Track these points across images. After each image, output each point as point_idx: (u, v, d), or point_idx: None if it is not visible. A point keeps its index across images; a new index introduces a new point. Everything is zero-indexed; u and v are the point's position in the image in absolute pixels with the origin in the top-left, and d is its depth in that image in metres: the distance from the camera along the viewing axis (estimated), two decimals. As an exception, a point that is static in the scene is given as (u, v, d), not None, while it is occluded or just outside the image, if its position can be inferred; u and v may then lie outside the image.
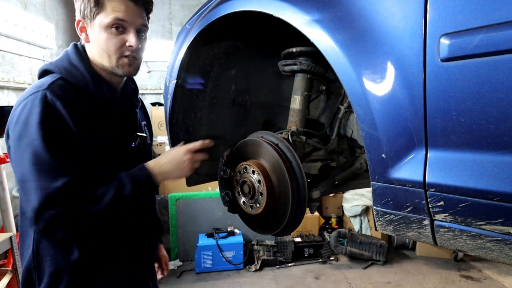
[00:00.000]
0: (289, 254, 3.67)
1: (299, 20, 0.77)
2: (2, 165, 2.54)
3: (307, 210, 1.04)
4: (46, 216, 0.87)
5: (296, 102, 1.12)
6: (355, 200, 4.02)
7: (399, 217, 0.69)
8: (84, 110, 0.98)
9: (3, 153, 2.56)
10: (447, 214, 0.61)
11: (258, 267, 3.51)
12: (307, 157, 1.17)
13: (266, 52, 1.33)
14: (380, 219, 0.73)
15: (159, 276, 1.42)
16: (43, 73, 1.03)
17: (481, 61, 0.53)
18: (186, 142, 1.14)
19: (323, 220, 4.30)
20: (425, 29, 0.59)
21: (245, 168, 1.02)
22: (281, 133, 1.06)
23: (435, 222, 0.64)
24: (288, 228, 1.01)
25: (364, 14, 0.68)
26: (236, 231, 3.68)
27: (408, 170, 0.64)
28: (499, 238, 0.56)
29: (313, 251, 3.74)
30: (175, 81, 1.17)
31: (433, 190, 0.61)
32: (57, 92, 0.93)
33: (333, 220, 4.33)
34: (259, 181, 0.98)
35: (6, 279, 2.03)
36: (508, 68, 0.50)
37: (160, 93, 5.65)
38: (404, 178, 0.64)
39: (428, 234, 0.66)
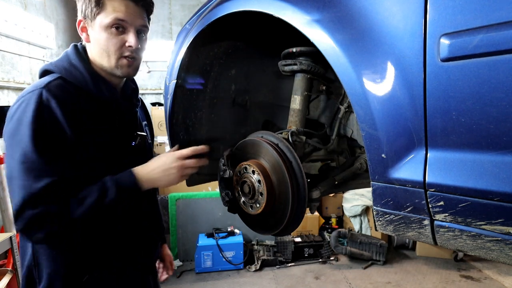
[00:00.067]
0: (289, 254, 3.67)
1: (299, 20, 0.77)
2: (2, 165, 2.54)
3: (307, 210, 1.04)
4: (26, 215, 0.87)
5: (296, 102, 1.12)
6: (355, 200, 4.02)
7: (399, 217, 0.69)
8: (84, 110, 0.98)
9: (3, 153, 2.56)
10: (447, 214, 0.61)
11: (258, 267, 3.51)
12: (307, 157, 1.17)
13: (266, 52, 1.33)
14: (380, 219, 0.73)
15: (164, 276, 1.41)
16: (44, 73, 1.03)
17: (481, 61, 0.53)
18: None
19: (323, 220, 4.30)
20: (425, 29, 0.59)
21: (245, 168, 1.02)
22: (281, 133, 1.06)
23: (435, 222, 0.64)
24: (288, 228, 1.01)
25: (364, 14, 0.68)
26: (236, 231, 3.68)
27: (408, 170, 0.64)
28: (499, 238, 0.56)
29: (313, 251, 3.74)
30: (175, 81, 1.17)
31: (433, 190, 0.61)
32: (53, 91, 0.93)
33: (333, 220, 4.33)
34: (259, 181, 0.98)
35: (6, 279, 2.03)
36: (508, 68, 0.50)
37: (160, 93, 5.65)
38: (404, 178, 0.64)
39: (428, 234, 0.66)
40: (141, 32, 1.05)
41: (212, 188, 4.02)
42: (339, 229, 3.80)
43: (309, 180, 1.16)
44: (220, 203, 1.40)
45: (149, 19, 1.09)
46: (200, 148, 1.10)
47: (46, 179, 0.88)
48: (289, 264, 3.62)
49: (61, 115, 0.91)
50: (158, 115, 4.78)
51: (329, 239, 3.78)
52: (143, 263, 1.21)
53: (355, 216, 4.06)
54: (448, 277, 3.33)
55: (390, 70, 0.64)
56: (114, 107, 1.07)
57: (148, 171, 1.03)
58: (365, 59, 0.67)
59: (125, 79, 1.13)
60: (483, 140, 0.55)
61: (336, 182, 1.11)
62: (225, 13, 0.97)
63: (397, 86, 0.63)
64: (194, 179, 1.33)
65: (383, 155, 0.67)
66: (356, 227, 4.06)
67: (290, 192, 0.93)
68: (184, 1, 5.63)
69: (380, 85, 0.65)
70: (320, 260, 3.69)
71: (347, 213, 4.14)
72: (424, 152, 0.62)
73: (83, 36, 1.04)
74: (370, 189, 0.72)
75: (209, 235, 3.60)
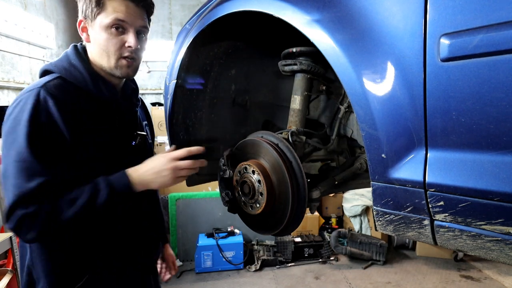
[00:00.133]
0: (289, 254, 3.67)
1: (299, 20, 0.77)
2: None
3: (307, 210, 1.04)
4: (17, 214, 0.86)
5: (296, 102, 1.12)
6: (355, 200, 4.02)
7: (399, 217, 0.69)
8: (84, 110, 0.98)
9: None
10: (447, 214, 0.61)
11: (258, 267, 3.51)
12: (307, 157, 1.17)
13: (266, 52, 1.33)
14: (380, 219, 0.73)
15: (167, 276, 1.41)
16: (44, 73, 1.03)
17: (481, 61, 0.53)
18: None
19: (323, 220, 4.30)
20: (425, 29, 0.59)
21: (245, 168, 1.02)
22: (281, 133, 1.07)
23: (435, 222, 0.64)
24: (288, 228, 1.01)
25: (364, 14, 0.68)
26: (236, 231, 3.68)
27: (408, 170, 0.64)
28: (499, 238, 0.56)
29: (313, 251, 3.74)
30: (175, 81, 1.17)
31: (433, 190, 0.61)
32: (51, 91, 0.93)
33: (333, 220, 4.33)
34: (259, 181, 0.98)
35: (6, 279, 2.03)
36: (508, 68, 0.51)
37: (160, 93, 5.65)
38: (404, 178, 0.64)
39: (428, 234, 0.66)
40: (141, 33, 1.05)
41: (212, 188, 4.02)
42: (339, 229, 3.80)
43: (309, 180, 1.16)
44: (220, 203, 1.40)
45: (149, 20, 1.09)
46: (195, 149, 1.06)
47: (39, 178, 0.87)
48: (289, 264, 3.62)
49: (58, 115, 0.91)
50: (158, 115, 4.78)
51: (329, 239, 3.78)
52: (143, 263, 1.21)
53: (355, 216, 4.06)
54: (448, 277, 3.33)
55: (390, 70, 0.64)
56: (114, 107, 1.07)
57: (141, 173, 1.01)
58: (365, 59, 0.67)
59: (125, 79, 1.13)
60: (483, 140, 0.55)
61: (336, 182, 1.11)
62: (225, 13, 0.97)
63: (397, 86, 0.63)
64: (194, 179, 1.33)
65: (383, 155, 0.67)
66: (356, 227, 4.06)
67: (290, 192, 0.93)
68: (184, 1, 5.64)
69: (380, 85, 0.65)
70: (320, 260, 3.69)
71: (347, 213, 4.14)
72: (424, 152, 0.62)
73: (83, 36, 1.04)
74: (370, 189, 0.72)
75: (209, 235, 3.61)
